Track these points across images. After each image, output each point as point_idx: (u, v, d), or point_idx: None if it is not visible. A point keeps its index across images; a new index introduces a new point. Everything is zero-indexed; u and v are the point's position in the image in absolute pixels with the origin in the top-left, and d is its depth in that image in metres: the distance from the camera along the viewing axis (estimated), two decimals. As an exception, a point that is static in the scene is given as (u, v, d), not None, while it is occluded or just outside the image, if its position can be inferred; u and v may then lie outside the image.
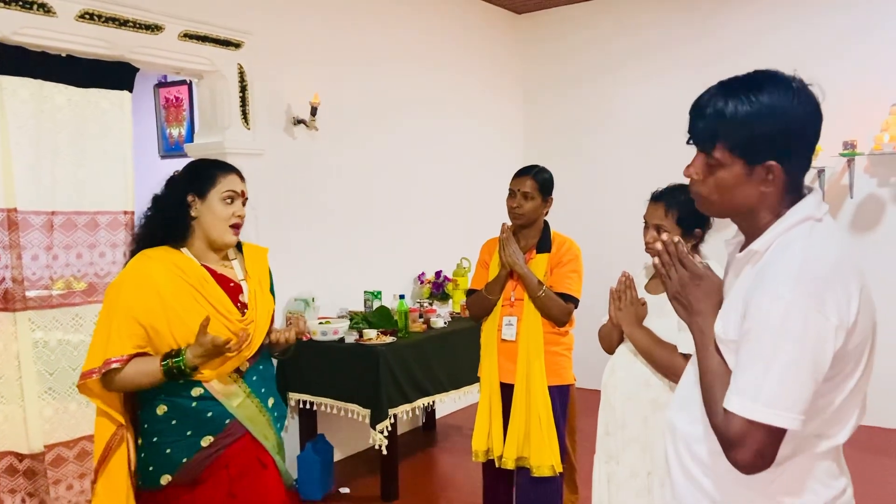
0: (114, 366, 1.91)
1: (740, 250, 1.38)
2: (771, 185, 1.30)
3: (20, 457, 2.97)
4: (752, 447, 1.22)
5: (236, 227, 2.06)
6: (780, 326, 1.19)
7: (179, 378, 1.93)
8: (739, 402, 1.23)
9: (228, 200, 2.03)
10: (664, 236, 1.47)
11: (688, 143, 1.37)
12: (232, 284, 2.08)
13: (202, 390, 1.98)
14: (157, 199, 2.07)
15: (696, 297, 1.39)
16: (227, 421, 2.00)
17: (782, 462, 1.28)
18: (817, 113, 1.29)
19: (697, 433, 1.38)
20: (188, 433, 1.97)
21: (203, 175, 2.04)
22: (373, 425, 3.66)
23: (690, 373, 1.45)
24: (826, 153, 4.76)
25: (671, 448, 1.45)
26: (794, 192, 1.33)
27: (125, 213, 3.35)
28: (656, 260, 1.45)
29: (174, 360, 1.91)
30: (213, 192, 2.01)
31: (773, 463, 1.24)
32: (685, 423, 1.42)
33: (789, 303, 1.19)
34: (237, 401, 2.02)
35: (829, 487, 1.32)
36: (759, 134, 1.27)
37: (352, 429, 4.37)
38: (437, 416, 5.23)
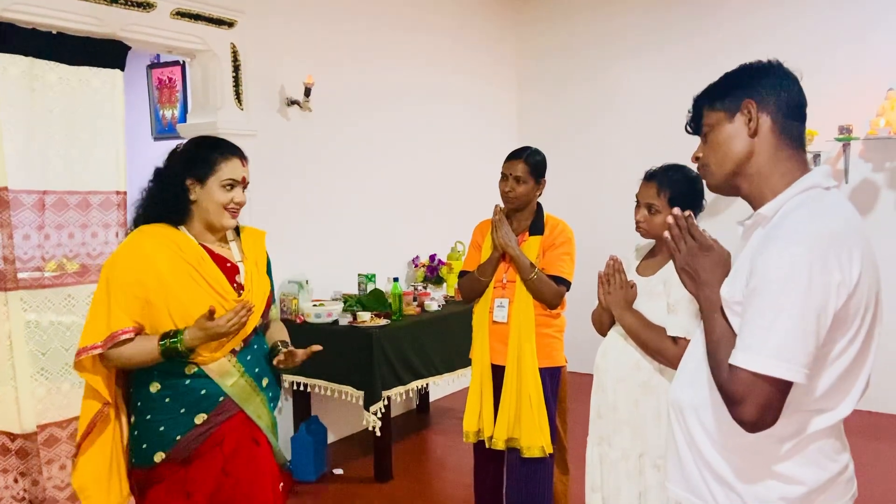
0: (122, 338, 1.90)
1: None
2: (757, 132, 1.37)
3: (12, 437, 2.97)
4: (757, 401, 1.23)
5: (234, 212, 2.05)
6: (785, 281, 1.22)
7: (175, 358, 1.93)
8: (744, 356, 1.24)
9: (228, 188, 2.02)
10: (675, 210, 1.48)
11: (687, 131, 1.53)
12: (229, 265, 2.08)
13: (196, 368, 1.98)
14: (158, 175, 2.05)
15: (704, 267, 1.42)
16: (221, 399, 2.00)
17: (788, 437, 1.31)
18: (779, 66, 1.42)
19: (707, 406, 1.40)
20: (182, 410, 1.97)
21: (204, 160, 2.01)
22: (366, 407, 3.67)
23: (697, 348, 1.47)
24: (822, 137, 4.75)
25: (677, 424, 1.47)
26: (789, 145, 1.37)
27: (117, 193, 3.33)
28: (666, 233, 1.48)
29: (171, 340, 1.91)
30: (212, 178, 1.99)
31: (776, 420, 1.25)
32: (693, 397, 1.43)
33: (793, 258, 1.22)
34: (231, 380, 2.02)
35: (834, 461, 1.35)
36: (728, 79, 1.44)
37: (345, 411, 4.38)
38: (431, 398, 5.25)
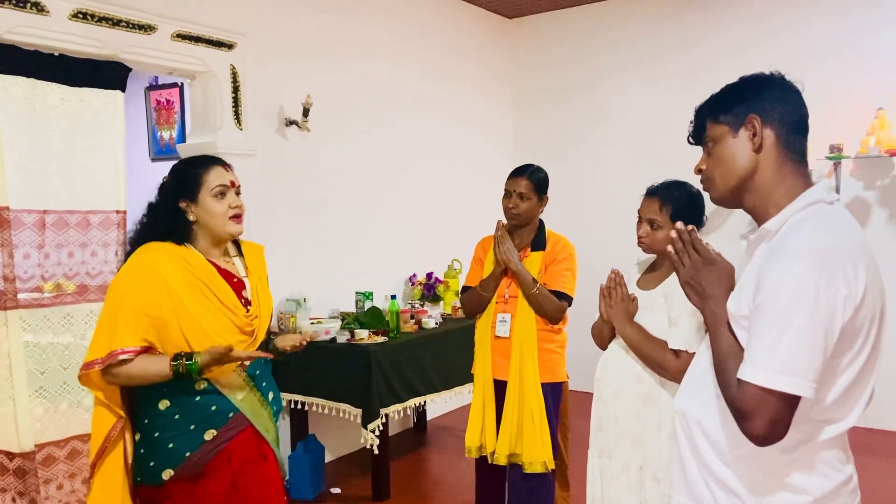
0: (121, 357, 1.87)
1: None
2: (762, 147, 1.38)
3: (11, 456, 2.95)
4: (766, 416, 1.24)
5: (237, 217, 2.05)
6: (792, 296, 1.23)
7: (187, 378, 1.92)
8: (752, 371, 1.25)
9: (220, 196, 2.01)
10: (678, 224, 1.49)
11: (689, 141, 1.53)
12: (236, 280, 2.09)
13: (206, 384, 1.98)
14: (152, 208, 2.06)
15: (709, 281, 1.43)
16: (231, 414, 2.01)
17: (795, 447, 1.31)
18: (782, 78, 1.42)
19: (712, 417, 1.40)
20: (191, 427, 1.96)
21: (188, 178, 2.02)
22: (364, 424, 3.66)
23: (703, 359, 1.48)
24: (812, 156, 4.79)
25: (682, 434, 1.47)
26: (792, 159, 1.38)
27: (117, 212, 3.34)
28: (670, 247, 1.49)
29: (187, 363, 1.89)
30: (202, 192, 2.00)
31: (786, 434, 1.26)
32: (698, 408, 1.43)
33: (800, 273, 1.23)
34: (241, 394, 2.03)
35: (839, 472, 1.36)
36: (730, 91, 1.43)
37: (343, 430, 4.37)
38: (428, 417, 5.24)
